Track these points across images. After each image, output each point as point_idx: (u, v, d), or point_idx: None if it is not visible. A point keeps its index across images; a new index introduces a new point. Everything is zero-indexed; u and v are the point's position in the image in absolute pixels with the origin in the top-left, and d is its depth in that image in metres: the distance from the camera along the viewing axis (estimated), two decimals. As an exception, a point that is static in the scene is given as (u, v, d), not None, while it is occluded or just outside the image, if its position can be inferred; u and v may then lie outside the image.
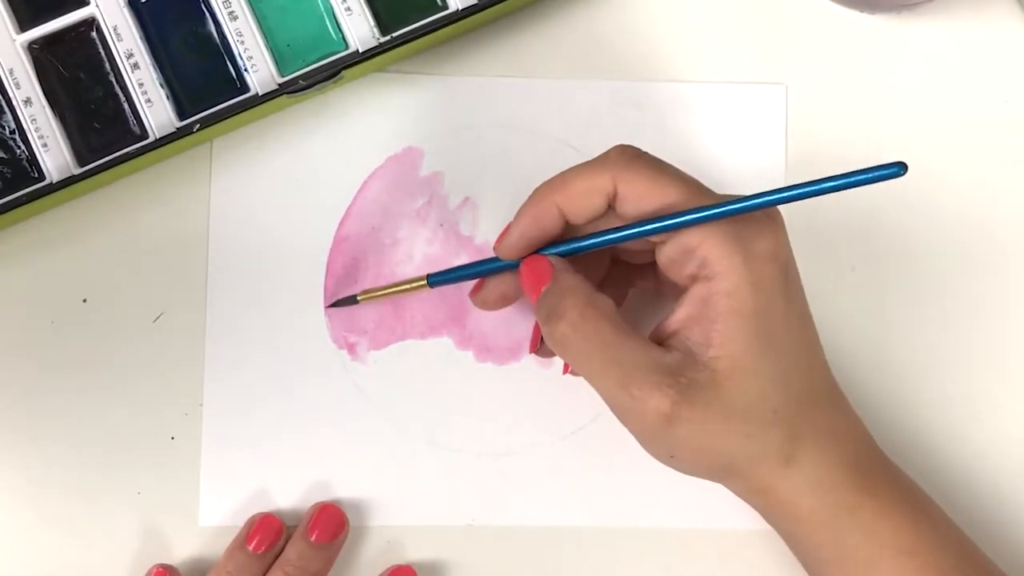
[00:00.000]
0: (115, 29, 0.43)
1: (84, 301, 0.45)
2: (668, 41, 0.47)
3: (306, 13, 0.44)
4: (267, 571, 0.43)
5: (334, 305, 0.45)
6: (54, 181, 0.43)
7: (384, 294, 0.44)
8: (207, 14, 0.44)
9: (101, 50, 0.43)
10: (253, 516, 0.44)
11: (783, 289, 0.36)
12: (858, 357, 0.46)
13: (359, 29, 0.44)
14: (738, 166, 0.46)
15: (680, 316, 0.37)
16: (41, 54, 0.43)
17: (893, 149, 0.47)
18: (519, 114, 0.46)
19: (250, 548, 0.43)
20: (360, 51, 0.44)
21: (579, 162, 0.38)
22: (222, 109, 0.43)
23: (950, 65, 0.47)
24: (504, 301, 0.42)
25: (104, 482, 0.44)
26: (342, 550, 0.44)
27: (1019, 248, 0.47)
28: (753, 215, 0.36)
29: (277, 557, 0.43)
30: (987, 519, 0.45)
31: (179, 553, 0.44)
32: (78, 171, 0.43)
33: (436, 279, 0.42)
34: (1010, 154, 0.47)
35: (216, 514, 0.44)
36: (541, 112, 0.46)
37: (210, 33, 0.44)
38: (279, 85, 0.43)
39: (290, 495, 0.45)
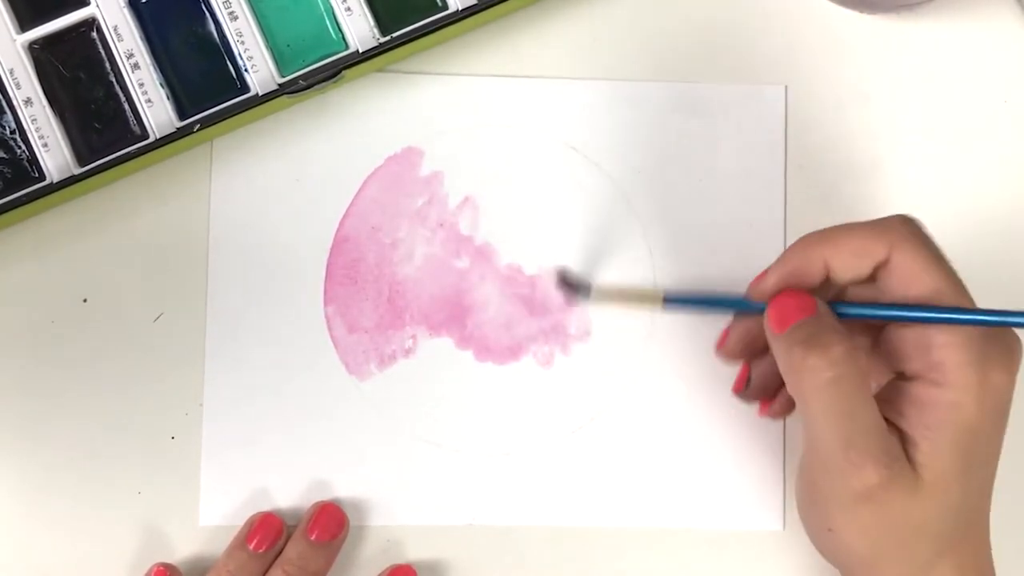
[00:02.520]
0: (115, 29, 0.43)
1: (84, 301, 0.45)
2: (668, 41, 0.47)
3: (306, 13, 0.44)
4: (267, 570, 0.43)
5: (564, 285, 0.43)
6: (54, 181, 0.43)
7: (615, 299, 0.43)
8: (207, 14, 0.44)
9: (101, 50, 0.43)
10: (253, 515, 0.44)
11: (997, 423, 0.36)
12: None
13: (359, 29, 0.44)
14: (738, 166, 0.46)
15: (897, 408, 0.36)
16: (41, 54, 0.43)
17: (893, 149, 0.47)
18: (519, 114, 0.46)
19: (250, 547, 0.43)
20: (360, 51, 0.44)
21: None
22: (222, 109, 0.43)
23: (950, 65, 0.47)
24: (748, 352, 0.40)
25: (104, 482, 0.44)
26: (342, 550, 0.44)
27: (1019, 248, 0.47)
28: (996, 340, 0.35)
29: (277, 556, 0.43)
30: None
31: (179, 552, 0.44)
32: (78, 171, 0.43)
33: (674, 299, 0.40)
34: (1010, 154, 0.47)
35: (216, 514, 0.44)
36: (541, 112, 0.46)
37: (210, 33, 0.44)
38: (279, 85, 0.43)
39: (290, 495, 0.45)
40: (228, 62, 0.44)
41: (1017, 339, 0.36)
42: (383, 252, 0.46)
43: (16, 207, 0.42)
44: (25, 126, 0.43)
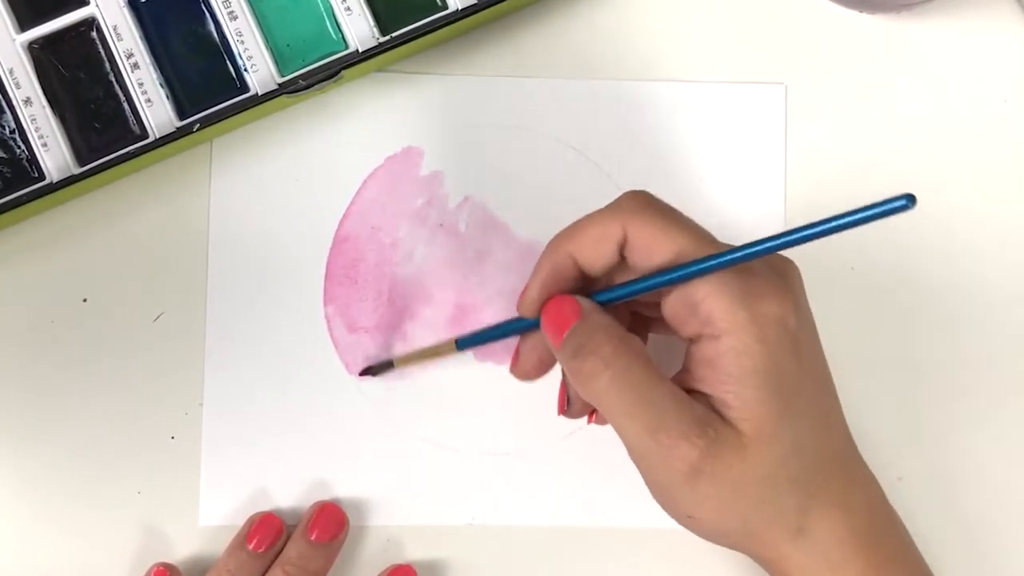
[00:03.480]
0: (115, 29, 0.43)
1: (84, 301, 0.45)
2: (668, 41, 0.47)
3: (306, 13, 0.44)
4: (267, 570, 0.43)
5: (367, 373, 0.45)
6: (54, 181, 0.43)
7: (417, 360, 0.44)
8: (207, 14, 0.44)
9: (101, 50, 0.43)
10: (253, 515, 0.44)
11: (794, 350, 0.35)
12: (856, 357, 0.45)
13: (359, 29, 0.44)
14: (738, 166, 0.46)
15: (693, 374, 0.36)
16: (41, 54, 0.43)
17: (893, 149, 0.47)
18: (519, 114, 0.46)
19: (250, 547, 0.43)
20: (360, 51, 0.44)
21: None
22: (222, 109, 0.43)
23: (950, 65, 0.47)
24: (543, 367, 0.40)
25: (104, 482, 0.44)
26: (342, 549, 0.44)
27: (1020, 248, 0.47)
28: (762, 272, 0.35)
29: (277, 556, 0.43)
30: (980, 516, 0.45)
31: (179, 552, 0.44)
32: (78, 171, 0.43)
33: (465, 343, 0.42)
34: (1010, 154, 0.47)
35: (216, 514, 0.44)
36: (541, 112, 0.46)
37: (210, 33, 0.44)
38: (279, 85, 0.43)
39: (290, 495, 0.45)
40: (228, 62, 0.44)
41: (789, 264, 0.36)
42: (383, 252, 0.46)
43: (16, 207, 0.42)
44: (25, 126, 0.43)
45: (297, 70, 0.43)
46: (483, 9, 0.44)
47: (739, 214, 0.46)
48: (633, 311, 0.40)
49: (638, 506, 0.45)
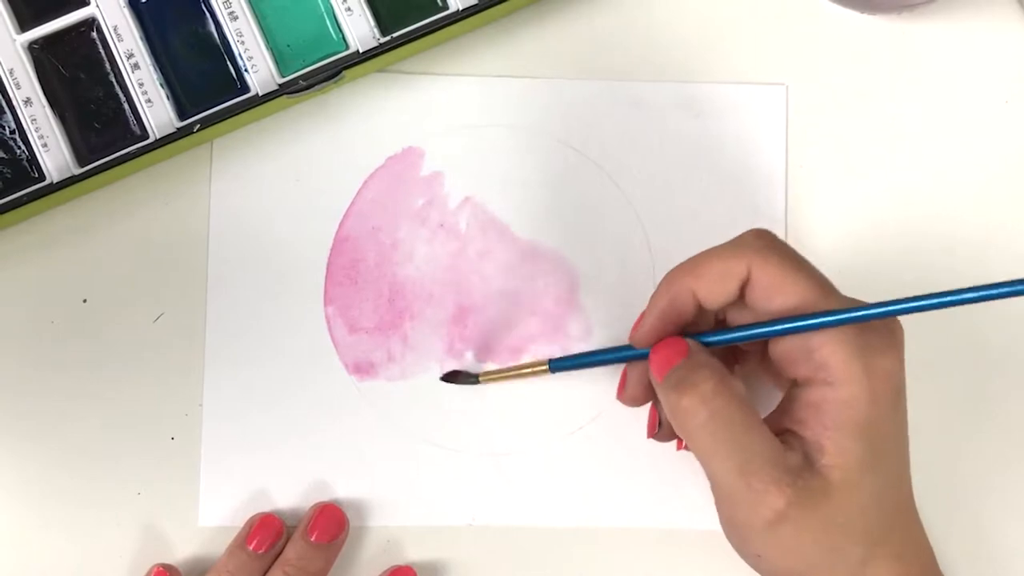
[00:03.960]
0: (115, 29, 0.43)
1: (84, 301, 0.45)
2: (668, 41, 0.47)
3: (306, 13, 0.44)
4: (267, 571, 0.43)
5: (450, 379, 0.45)
6: (54, 181, 0.43)
7: (504, 377, 0.44)
8: (207, 14, 0.44)
9: (101, 50, 0.43)
10: (253, 516, 0.44)
11: (895, 407, 0.36)
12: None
13: (359, 29, 0.44)
14: (738, 166, 0.46)
15: (794, 416, 0.36)
16: (41, 54, 0.43)
17: (893, 149, 0.47)
18: (519, 114, 0.46)
19: (250, 548, 0.43)
20: (360, 51, 0.44)
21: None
22: (222, 109, 0.43)
23: (950, 65, 0.47)
24: (649, 395, 0.41)
25: (104, 482, 0.44)
26: (342, 550, 0.44)
27: (1020, 247, 0.47)
28: (875, 327, 0.36)
29: (277, 557, 0.43)
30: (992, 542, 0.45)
31: (179, 553, 0.44)
32: (78, 171, 0.43)
33: (559, 365, 0.42)
34: (1010, 154, 0.47)
35: (216, 514, 0.44)
36: (541, 112, 0.46)
37: (210, 33, 0.44)
38: (279, 85, 0.43)
39: (290, 495, 0.45)
40: (228, 62, 0.44)
41: (896, 322, 0.37)
42: (383, 252, 0.46)
43: (16, 207, 0.42)
44: (25, 126, 0.43)
45: (297, 70, 0.43)
46: (483, 9, 0.44)
47: (739, 214, 0.46)
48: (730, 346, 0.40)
49: (638, 506, 0.45)
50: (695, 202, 0.46)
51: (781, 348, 0.37)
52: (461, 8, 0.44)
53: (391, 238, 0.46)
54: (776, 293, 0.36)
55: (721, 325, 0.39)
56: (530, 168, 0.46)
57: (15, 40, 0.43)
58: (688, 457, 0.45)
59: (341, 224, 0.46)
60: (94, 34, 0.43)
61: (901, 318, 0.36)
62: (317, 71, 0.43)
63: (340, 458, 0.45)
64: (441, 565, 0.45)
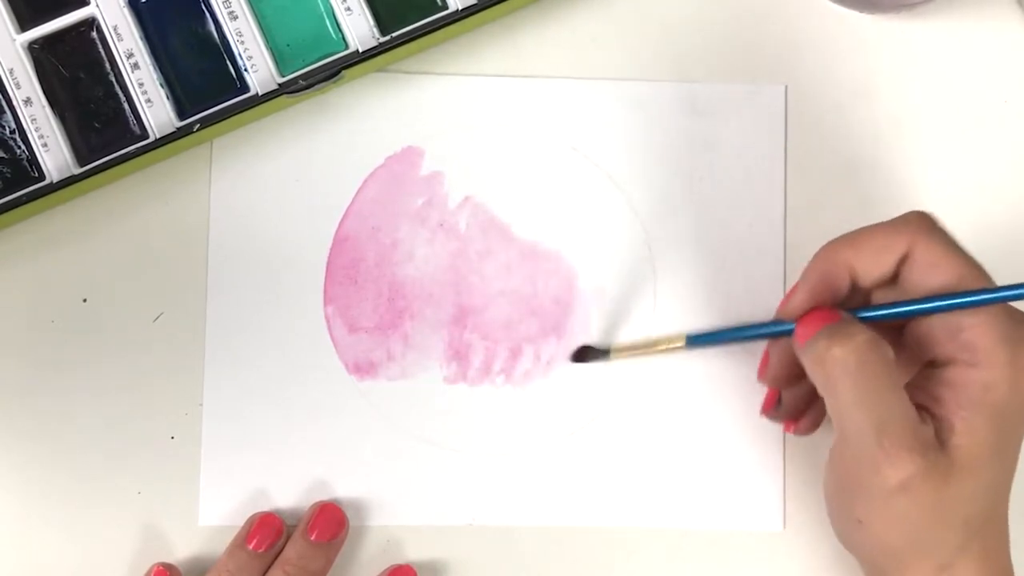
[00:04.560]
0: (115, 29, 0.43)
1: (84, 301, 0.45)
2: (668, 41, 0.47)
3: (306, 13, 0.44)
4: (267, 570, 0.43)
5: (580, 357, 0.44)
6: (54, 181, 0.43)
7: (637, 353, 0.43)
8: (207, 14, 0.44)
9: (101, 50, 0.43)
10: (253, 515, 0.44)
11: None
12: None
13: (359, 29, 0.44)
14: (738, 166, 0.46)
15: (931, 392, 0.36)
16: (41, 54, 0.43)
17: (893, 149, 0.47)
18: (519, 114, 0.46)
19: (250, 547, 0.43)
20: (360, 51, 0.44)
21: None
22: (222, 109, 0.43)
23: (950, 65, 0.47)
24: (791, 376, 0.40)
25: (104, 482, 0.44)
26: (342, 550, 0.44)
27: (1019, 247, 0.47)
28: (1023, 320, 0.36)
29: (277, 556, 0.43)
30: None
31: (179, 552, 0.44)
32: (78, 171, 0.43)
33: (698, 340, 0.41)
34: (1010, 154, 0.47)
35: (216, 514, 0.44)
36: (541, 112, 0.46)
37: (210, 33, 0.44)
38: (279, 85, 0.43)
39: (290, 495, 0.45)
40: (228, 62, 0.44)
41: None
42: (383, 252, 0.46)
43: (16, 207, 0.42)
44: (25, 126, 0.43)
45: (297, 70, 0.43)
46: (483, 9, 0.44)
47: (739, 214, 0.46)
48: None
49: (638, 506, 0.45)
50: (695, 202, 0.46)
51: (926, 326, 0.37)
52: (461, 8, 0.44)
53: (391, 238, 0.46)
54: (935, 271, 0.36)
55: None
56: (530, 168, 0.46)
57: (15, 40, 0.43)
58: (688, 457, 0.45)
59: (341, 224, 0.46)
60: (94, 34, 0.43)
61: None
62: (317, 71, 0.43)
63: (340, 458, 0.45)
64: (441, 565, 0.45)
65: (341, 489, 0.45)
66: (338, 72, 0.44)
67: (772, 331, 0.39)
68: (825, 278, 0.37)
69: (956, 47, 0.47)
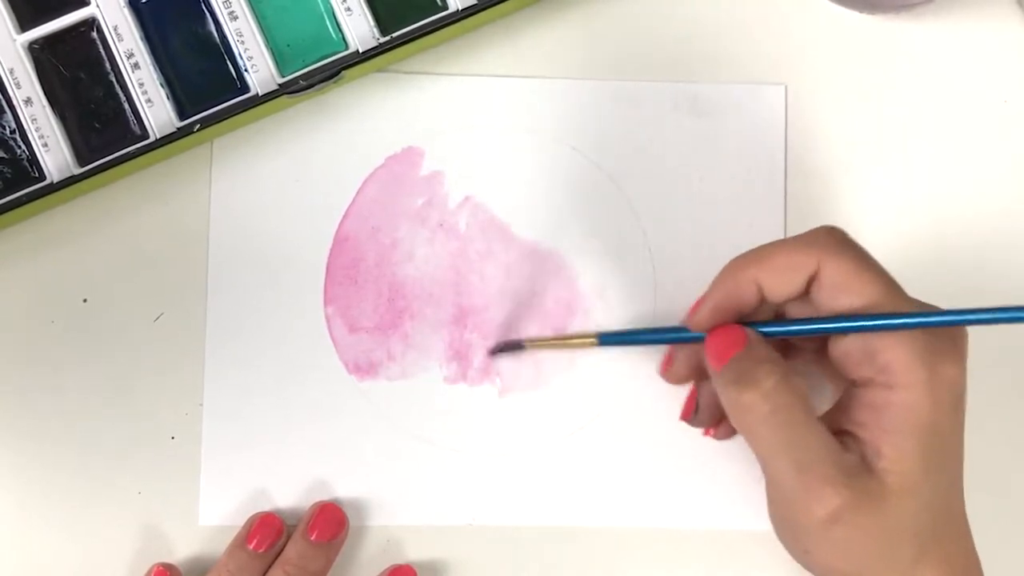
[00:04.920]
0: (115, 29, 0.43)
1: (84, 301, 0.45)
2: (668, 41, 0.47)
3: (306, 13, 0.44)
4: (267, 570, 0.43)
5: (497, 351, 0.45)
6: (54, 181, 0.43)
7: (550, 346, 0.44)
8: (207, 14, 0.44)
9: (101, 50, 0.43)
10: (253, 515, 0.44)
11: (955, 414, 0.36)
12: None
13: (359, 29, 0.44)
14: (738, 166, 0.46)
15: (853, 417, 0.36)
16: (42, 54, 0.43)
17: (893, 149, 0.47)
18: (519, 114, 0.46)
19: (250, 547, 0.43)
20: (360, 51, 0.44)
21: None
22: (222, 109, 0.43)
23: (950, 65, 0.47)
24: (695, 375, 0.41)
25: (104, 482, 0.44)
26: (342, 550, 0.44)
27: (1020, 247, 0.47)
28: (940, 333, 0.35)
29: (277, 556, 0.43)
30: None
31: (179, 552, 0.44)
32: (78, 171, 0.43)
33: (609, 339, 0.42)
34: (1010, 154, 0.47)
35: (216, 514, 0.44)
36: (541, 112, 0.46)
37: (210, 33, 0.44)
38: (279, 85, 0.43)
39: (290, 495, 0.45)
40: (228, 62, 0.44)
41: (962, 329, 0.36)
42: (383, 252, 0.46)
43: (16, 207, 0.42)
44: (25, 126, 0.43)
45: (297, 70, 0.43)
46: (483, 9, 0.44)
47: (739, 214, 0.46)
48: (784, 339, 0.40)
49: (638, 506, 0.45)
50: (695, 202, 0.46)
51: (843, 347, 0.36)
52: (461, 8, 0.44)
53: (391, 238, 0.46)
54: (844, 291, 0.36)
55: (778, 318, 0.39)
56: (530, 168, 0.46)
57: (15, 40, 0.43)
58: (687, 457, 0.45)
59: (341, 224, 0.46)
60: (94, 34, 0.43)
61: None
62: (317, 71, 0.43)
63: (340, 458, 0.45)
64: (441, 565, 0.45)
65: (341, 489, 0.45)
66: (338, 72, 0.44)
67: (681, 337, 0.40)
68: (731, 294, 0.37)
69: (956, 47, 0.47)
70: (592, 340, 0.42)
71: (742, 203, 0.46)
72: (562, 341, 0.44)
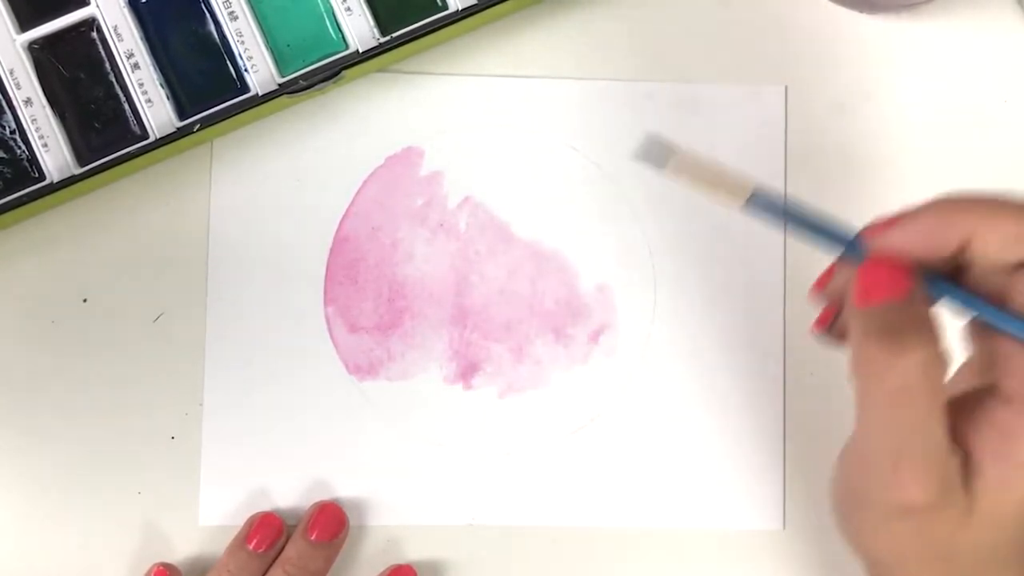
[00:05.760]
0: (115, 29, 0.43)
1: (84, 301, 0.45)
2: (668, 41, 0.47)
3: (306, 13, 0.44)
4: (267, 570, 0.43)
5: (642, 157, 0.35)
6: (54, 181, 0.43)
7: (697, 180, 0.34)
8: (207, 14, 0.44)
9: (101, 50, 0.43)
10: (253, 515, 0.44)
11: None
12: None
13: (359, 29, 0.44)
14: (738, 166, 0.46)
15: (977, 427, 0.31)
16: (41, 54, 0.43)
17: (893, 149, 0.47)
18: (519, 114, 0.46)
19: (250, 547, 0.43)
20: (360, 51, 0.44)
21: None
22: (222, 109, 0.43)
23: (950, 65, 0.47)
24: (843, 302, 0.34)
25: (104, 481, 0.44)
26: (342, 549, 0.44)
27: (1019, 248, 0.47)
28: None
29: (278, 556, 0.43)
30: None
31: (179, 552, 0.44)
32: (78, 171, 0.43)
33: (761, 202, 0.33)
34: (1010, 154, 0.47)
35: (216, 513, 0.44)
36: (541, 112, 0.46)
37: (210, 33, 0.44)
38: (279, 85, 0.43)
39: (290, 494, 0.45)
40: (228, 62, 0.44)
41: None
42: (383, 252, 0.46)
43: (16, 207, 0.42)
44: (25, 126, 0.43)
45: (297, 70, 0.43)
46: (483, 9, 0.44)
47: (738, 214, 0.46)
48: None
49: (638, 506, 0.45)
50: (694, 202, 0.46)
51: (1007, 347, 0.31)
52: (461, 8, 0.44)
53: (391, 238, 0.46)
54: None
55: None
56: (530, 168, 0.46)
57: (15, 40, 0.43)
58: (688, 457, 0.45)
59: (341, 224, 0.46)
60: (94, 34, 0.43)
61: None
62: (317, 71, 0.43)
63: (340, 458, 0.45)
64: (441, 565, 0.45)
65: (341, 489, 0.45)
66: (338, 72, 0.44)
67: (842, 245, 0.33)
68: (932, 233, 0.31)
69: (956, 47, 0.47)
70: (742, 196, 0.34)
71: (742, 203, 0.46)
72: (714, 180, 0.34)
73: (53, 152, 0.43)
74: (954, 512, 0.31)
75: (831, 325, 0.34)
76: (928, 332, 0.30)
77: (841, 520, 0.34)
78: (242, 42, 0.43)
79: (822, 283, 0.34)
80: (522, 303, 0.45)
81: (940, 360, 0.30)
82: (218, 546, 0.44)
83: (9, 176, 0.43)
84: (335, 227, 0.45)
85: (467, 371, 0.45)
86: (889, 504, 0.31)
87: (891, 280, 0.31)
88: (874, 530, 0.32)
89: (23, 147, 0.43)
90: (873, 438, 0.31)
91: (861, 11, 0.47)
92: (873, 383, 0.31)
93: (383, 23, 0.44)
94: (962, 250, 0.31)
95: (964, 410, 0.32)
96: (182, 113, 0.43)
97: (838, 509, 0.34)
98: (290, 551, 0.43)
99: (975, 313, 0.31)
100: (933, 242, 0.31)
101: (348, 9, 0.44)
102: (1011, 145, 0.47)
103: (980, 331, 0.33)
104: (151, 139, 0.43)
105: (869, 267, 0.31)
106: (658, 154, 0.35)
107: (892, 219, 0.32)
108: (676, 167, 0.35)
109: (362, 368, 0.45)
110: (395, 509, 0.45)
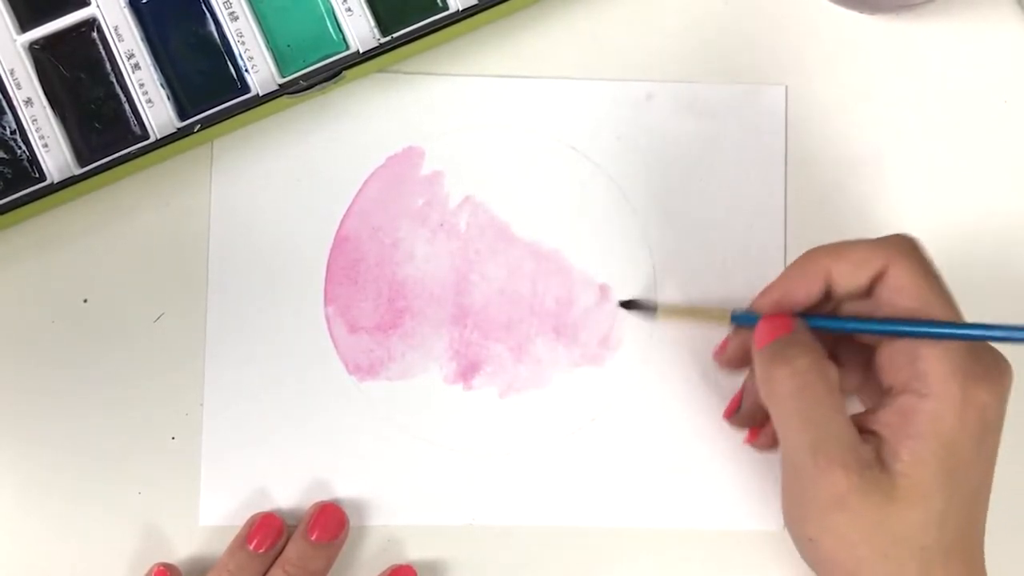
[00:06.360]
0: (116, 29, 0.43)
1: (84, 301, 0.45)
2: (668, 41, 0.47)
3: (306, 13, 0.44)
4: (267, 570, 0.43)
5: (629, 306, 0.45)
6: (54, 181, 0.43)
7: (682, 317, 0.45)
8: (208, 14, 0.44)
9: (102, 50, 0.43)
10: (254, 515, 0.44)
11: (981, 440, 0.36)
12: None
13: (359, 29, 0.44)
14: (738, 166, 0.46)
15: (880, 418, 0.37)
16: (42, 54, 0.43)
17: (893, 149, 0.47)
18: (519, 114, 0.46)
19: (250, 547, 0.43)
20: (360, 51, 0.44)
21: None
22: (222, 109, 0.43)
23: (950, 65, 0.47)
24: (745, 361, 0.41)
25: (104, 482, 0.44)
26: (342, 550, 0.44)
27: (1020, 248, 0.47)
28: (986, 358, 0.37)
29: (278, 556, 0.43)
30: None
31: (179, 552, 0.44)
32: (78, 171, 0.43)
33: (740, 319, 0.41)
34: (1010, 154, 0.47)
35: (216, 514, 0.44)
36: (541, 112, 0.46)
37: (210, 33, 0.44)
38: (279, 85, 0.43)
39: (290, 495, 0.45)
40: (228, 62, 0.44)
41: (1007, 363, 0.37)
42: (383, 252, 0.46)
43: (16, 207, 0.42)
44: (25, 126, 0.43)
45: (298, 71, 0.44)
46: (483, 9, 0.44)
47: (739, 214, 0.46)
48: (836, 338, 0.41)
49: (638, 506, 0.45)
50: (695, 202, 0.46)
51: (889, 351, 0.37)
52: (461, 8, 0.44)
53: (391, 238, 0.46)
54: (904, 295, 0.37)
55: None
56: (530, 168, 0.46)
57: (15, 40, 0.43)
58: (687, 457, 0.45)
59: (341, 224, 0.46)
60: (94, 34, 0.43)
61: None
62: (317, 71, 0.44)
63: (340, 458, 0.45)
64: (441, 565, 0.45)
65: (341, 489, 0.45)
66: (339, 72, 0.44)
67: (745, 321, 0.40)
68: (802, 280, 0.38)
69: (956, 47, 0.47)
70: (724, 317, 0.42)
71: (742, 203, 0.46)
72: (696, 312, 0.45)
73: (53, 152, 0.43)
74: (879, 495, 0.35)
75: (738, 411, 0.43)
76: (811, 345, 0.38)
77: (794, 534, 0.38)
78: (242, 42, 0.43)
79: (721, 350, 0.43)
80: (522, 303, 0.45)
81: (826, 362, 0.37)
82: (218, 546, 0.44)
83: (9, 176, 0.43)
84: (335, 227, 0.46)
85: (467, 371, 0.45)
86: (820, 497, 0.36)
87: (779, 323, 0.38)
88: (820, 528, 0.36)
89: (23, 147, 0.43)
90: (791, 441, 0.37)
91: (861, 11, 0.47)
92: (777, 392, 0.37)
93: (383, 23, 0.44)
94: (829, 288, 0.38)
95: (869, 415, 0.37)
96: (182, 113, 0.43)
97: (790, 524, 0.38)
98: (290, 551, 0.43)
99: (851, 329, 0.38)
100: (803, 288, 0.38)
101: (348, 9, 0.44)
102: (1011, 145, 0.47)
103: (865, 371, 0.40)
104: (151, 139, 0.43)
105: (763, 322, 0.39)
106: (647, 306, 0.45)
107: (769, 285, 0.40)
108: (665, 313, 0.45)
109: (362, 368, 0.45)
110: (395, 509, 0.45)
